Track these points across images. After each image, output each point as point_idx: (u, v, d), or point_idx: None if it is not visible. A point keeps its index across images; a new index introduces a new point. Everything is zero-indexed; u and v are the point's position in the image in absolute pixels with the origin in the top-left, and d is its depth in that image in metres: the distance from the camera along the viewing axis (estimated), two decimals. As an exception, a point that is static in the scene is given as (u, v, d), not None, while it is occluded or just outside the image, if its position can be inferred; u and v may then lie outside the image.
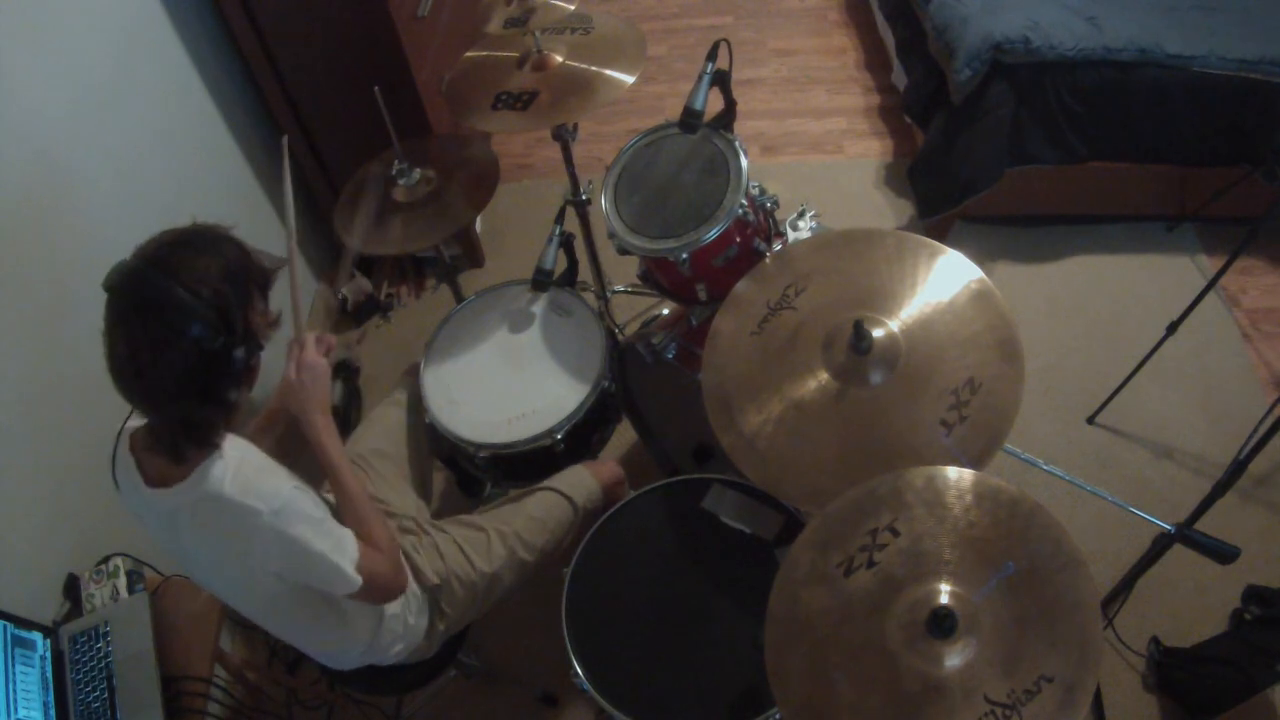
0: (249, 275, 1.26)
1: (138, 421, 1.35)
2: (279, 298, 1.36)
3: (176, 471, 1.28)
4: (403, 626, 1.62)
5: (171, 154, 2.29)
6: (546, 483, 1.85)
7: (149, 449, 1.31)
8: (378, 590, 1.44)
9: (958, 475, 1.27)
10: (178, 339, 1.17)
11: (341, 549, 1.37)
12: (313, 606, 1.47)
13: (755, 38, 3.84)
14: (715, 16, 3.97)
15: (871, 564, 1.24)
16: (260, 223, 2.71)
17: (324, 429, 1.48)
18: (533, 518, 1.79)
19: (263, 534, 1.28)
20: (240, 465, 1.30)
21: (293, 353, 1.52)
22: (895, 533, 1.25)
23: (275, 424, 1.60)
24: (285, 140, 1.65)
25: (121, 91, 2.09)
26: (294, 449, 1.53)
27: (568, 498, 1.83)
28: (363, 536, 1.42)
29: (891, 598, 1.20)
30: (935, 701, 1.13)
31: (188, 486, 1.28)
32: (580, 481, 1.86)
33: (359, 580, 1.37)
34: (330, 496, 1.56)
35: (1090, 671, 1.10)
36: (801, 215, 2.01)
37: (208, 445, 1.28)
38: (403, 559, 1.56)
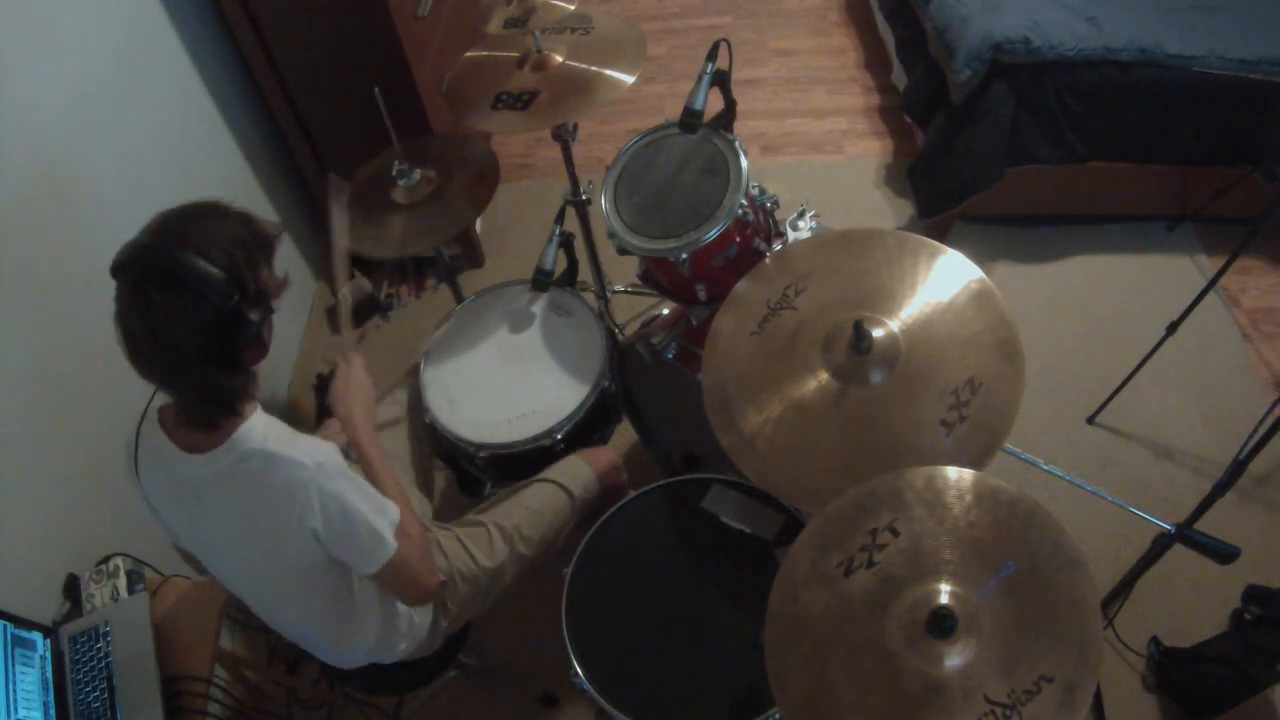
0: (255, 240, 1.28)
1: (161, 401, 1.35)
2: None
3: (211, 439, 1.29)
4: (408, 625, 1.62)
5: (171, 153, 2.29)
6: (542, 474, 1.85)
7: (180, 423, 1.32)
8: (407, 577, 1.44)
9: (958, 475, 1.27)
10: (194, 301, 1.18)
11: (381, 511, 1.39)
12: (331, 588, 1.46)
13: (755, 38, 3.84)
14: (715, 16, 3.97)
15: (871, 564, 1.24)
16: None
17: (368, 436, 1.56)
18: (531, 510, 1.79)
19: (306, 488, 1.29)
20: (274, 425, 1.33)
21: (339, 374, 1.62)
22: (895, 533, 1.25)
23: None
24: (332, 179, 1.72)
25: (122, 91, 2.09)
26: None
27: (564, 488, 1.83)
28: (400, 529, 1.44)
29: (891, 598, 1.20)
30: (935, 701, 1.13)
31: (226, 450, 1.29)
32: (576, 471, 1.86)
33: (394, 546, 1.38)
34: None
35: (1090, 671, 1.10)
36: (801, 215, 2.01)
37: (235, 412, 1.28)
38: (434, 560, 1.56)
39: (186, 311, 1.18)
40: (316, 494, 1.30)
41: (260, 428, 1.31)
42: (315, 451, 1.32)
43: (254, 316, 1.24)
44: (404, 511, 1.46)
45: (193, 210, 1.26)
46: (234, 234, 1.24)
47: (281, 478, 1.29)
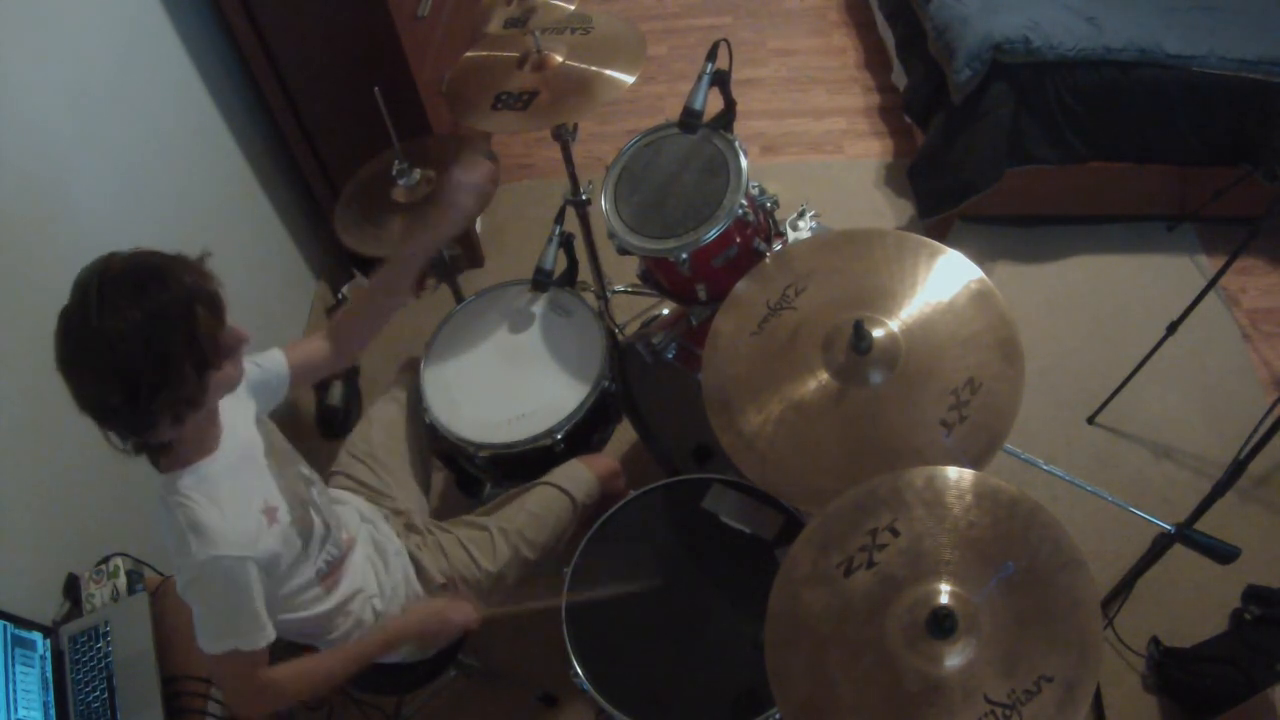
0: (185, 312, 1.18)
1: None
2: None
3: (165, 460, 1.30)
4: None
5: (172, 153, 2.29)
6: (545, 478, 1.85)
7: None
8: (220, 683, 1.45)
9: (958, 475, 1.27)
10: (106, 371, 1.15)
11: (232, 631, 1.32)
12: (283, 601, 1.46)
13: (755, 38, 3.84)
14: (715, 16, 3.97)
15: (871, 564, 1.24)
16: (261, 220, 2.71)
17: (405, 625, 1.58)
18: (534, 514, 1.79)
19: (181, 570, 1.30)
20: (208, 497, 1.29)
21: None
22: (895, 533, 1.25)
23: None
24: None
25: (121, 92, 2.09)
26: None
27: (566, 492, 1.83)
28: (297, 669, 1.42)
29: (891, 598, 1.20)
30: (935, 701, 1.13)
31: (162, 481, 1.30)
32: (578, 475, 1.86)
33: (210, 654, 1.32)
34: (314, 482, 1.56)
35: (1090, 671, 1.10)
36: (801, 215, 2.01)
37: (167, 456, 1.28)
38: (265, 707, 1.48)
39: (100, 383, 1.16)
40: (181, 580, 1.30)
41: (191, 488, 1.28)
42: (193, 565, 1.27)
43: (162, 397, 1.18)
44: (327, 672, 1.45)
45: (126, 269, 1.17)
46: (165, 300, 1.16)
47: (173, 544, 1.29)
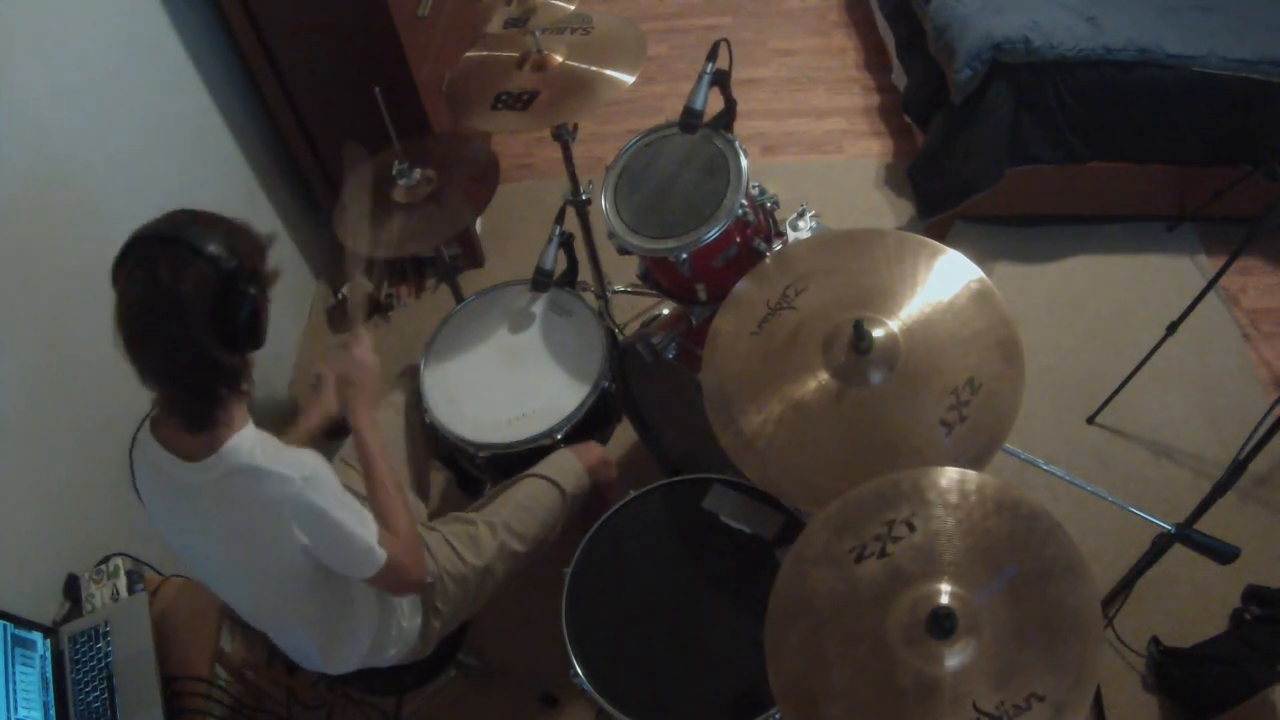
0: (251, 236, 1.31)
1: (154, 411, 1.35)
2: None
3: (202, 446, 1.29)
4: (396, 630, 1.62)
5: (171, 153, 2.29)
6: (533, 470, 1.85)
7: (172, 429, 1.31)
8: (396, 576, 1.44)
9: (982, 481, 1.26)
10: (196, 256, 1.19)
11: (364, 524, 1.39)
12: (322, 599, 1.47)
13: (755, 38, 3.84)
14: (715, 16, 3.97)
15: (884, 554, 1.23)
16: (261, 220, 2.70)
17: (367, 419, 1.56)
18: (521, 507, 1.79)
19: (292, 502, 1.30)
20: (264, 439, 1.33)
21: (349, 347, 1.61)
22: (912, 527, 1.24)
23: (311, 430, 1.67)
24: (347, 146, 1.76)
25: (121, 90, 2.10)
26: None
27: (555, 483, 1.82)
28: (387, 523, 1.45)
29: (897, 591, 1.20)
30: (924, 700, 1.13)
31: (216, 460, 1.29)
32: (566, 465, 1.86)
33: (383, 556, 1.39)
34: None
35: (1083, 697, 1.09)
36: (801, 215, 2.01)
37: (225, 408, 1.28)
38: (424, 552, 1.57)
39: (190, 264, 1.19)
40: (304, 508, 1.31)
41: (249, 442, 1.30)
42: (302, 465, 1.32)
43: (252, 292, 1.24)
44: (394, 504, 1.47)
45: (190, 210, 1.29)
46: (234, 225, 1.28)
47: (269, 492, 1.29)
